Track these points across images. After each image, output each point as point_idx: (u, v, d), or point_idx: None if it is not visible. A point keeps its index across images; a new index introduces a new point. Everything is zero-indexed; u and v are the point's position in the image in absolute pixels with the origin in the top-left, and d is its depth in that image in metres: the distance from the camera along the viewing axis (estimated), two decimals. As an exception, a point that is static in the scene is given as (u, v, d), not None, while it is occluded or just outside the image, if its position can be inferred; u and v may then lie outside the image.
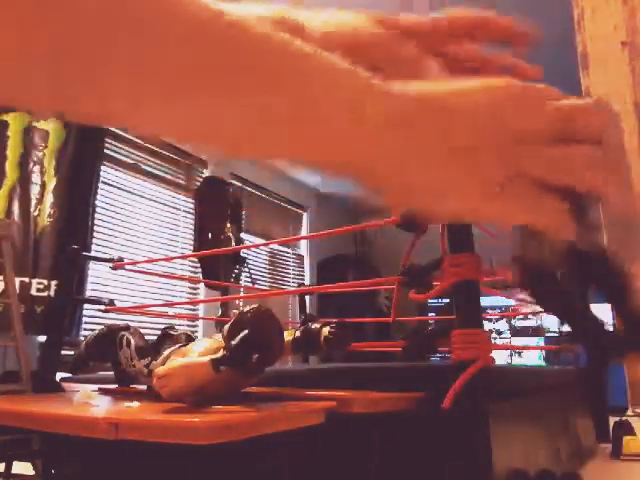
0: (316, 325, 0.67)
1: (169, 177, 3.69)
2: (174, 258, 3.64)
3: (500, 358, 4.59)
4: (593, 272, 0.34)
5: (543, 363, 4.51)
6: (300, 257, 5.01)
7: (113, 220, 3.25)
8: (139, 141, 3.33)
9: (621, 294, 0.35)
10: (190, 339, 0.71)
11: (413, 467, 0.74)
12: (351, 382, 0.80)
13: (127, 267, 2.28)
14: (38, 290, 2.43)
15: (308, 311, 3.72)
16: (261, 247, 4.48)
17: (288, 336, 0.68)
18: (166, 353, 0.67)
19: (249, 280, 3.74)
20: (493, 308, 4.57)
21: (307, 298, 3.96)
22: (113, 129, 3.00)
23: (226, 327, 0.57)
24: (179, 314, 3.39)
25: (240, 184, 4.17)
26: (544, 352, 4.54)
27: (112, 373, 0.81)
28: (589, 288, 0.36)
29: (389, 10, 0.45)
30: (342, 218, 5.31)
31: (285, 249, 4.80)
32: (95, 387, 0.86)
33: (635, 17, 0.91)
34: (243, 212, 3.93)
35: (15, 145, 2.51)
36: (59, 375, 1.81)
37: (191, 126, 0.30)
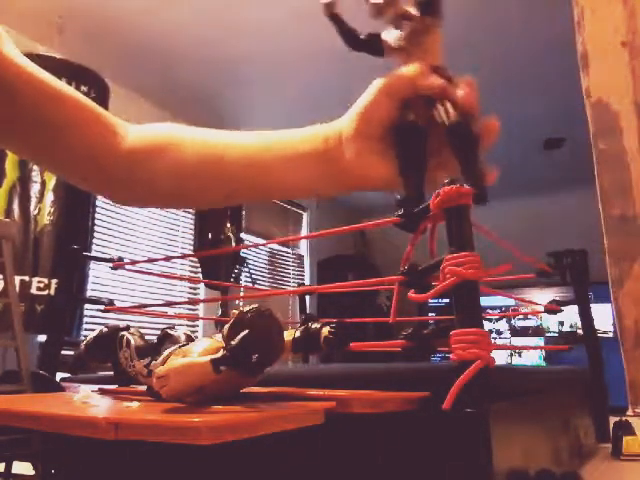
0: (316, 325, 0.67)
1: (169, 177, 3.68)
2: (174, 258, 3.64)
3: (500, 358, 4.59)
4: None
5: (543, 363, 4.51)
6: (300, 257, 5.01)
7: (113, 220, 3.25)
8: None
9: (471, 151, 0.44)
10: (190, 339, 0.71)
11: (413, 467, 0.74)
12: (351, 382, 0.80)
13: (127, 267, 2.28)
14: (38, 289, 2.43)
15: (308, 311, 3.72)
16: (261, 247, 4.48)
17: (288, 336, 0.68)
18: (166, 353, 0.67)
19: (249, 280, 3.74)
20: (493, 308, 4.57)
21: (307, 298, 3.96)
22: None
23: (226, 327, 0.57)
24: (179, 314, 3.39)
25: (240, 184, 4.16)
26: (544, 352, 4.55)
27: (112, 373, 0.81)
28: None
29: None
30: (342, 218, 5.31)
31: (285, 249, 4.80)
32: (95, 387, 0.86)
33: (635, 17, 0.91)
34: (243, 212, 3.93)
35: (15, 145, 2.51)
36: (59, 375, 1.81)
37: None
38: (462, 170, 0.44)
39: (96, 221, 2.94)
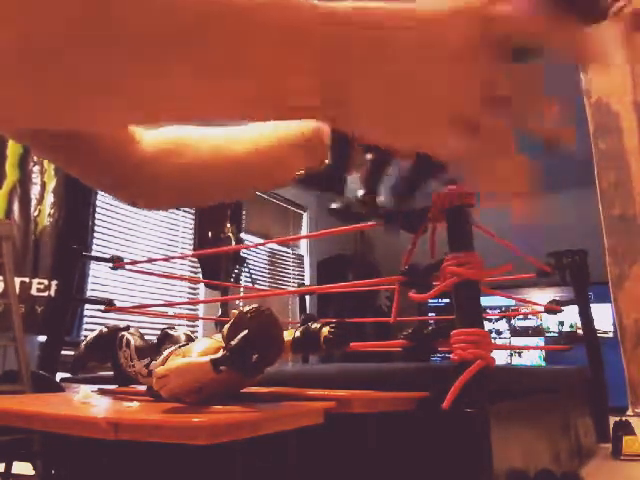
0: (316, 325, 0.67)
1: (169, 177, 3.69)
2: (174, 258, 3.64)
3: (500, 358, 4.59)
4: None
5: (543, 363, 4.51)
6: (300, 257, 5.00)
7: (113, 220, 3.25)
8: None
9: None
10: (190, 339, 0.71)
11: (413, 467, 0.74)
12: (351, 382, 0.80)
13: (127, 267, 2.28)
14: (38, 290, 2.43)
15: (308, 311, 3.72)
16: (261, 247, 4.48)
17: (288, 336, 0.68)
18: (166, 353, 0.67)
19: (249, 280, 3.74)
20: (493, 308, 4.57)
21: (307, 298, 3.96)
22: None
23: (226, 327, 0.57)
24: (179, 314, 3.39)
25: (240, 184, 4.16)
26: (544, 352, 4.55)
27: (112, 373, 0.81)
28: None
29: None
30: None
31: (285, 249, 4.80)
32: (95, 387, 0.86)
33: (635, 17, 0.91)
34: (243, 212, 3.93)
35: (15, 145, 2.51)
36: (59, 375, 1.81)
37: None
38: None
39: (96, 221, 2.94)
